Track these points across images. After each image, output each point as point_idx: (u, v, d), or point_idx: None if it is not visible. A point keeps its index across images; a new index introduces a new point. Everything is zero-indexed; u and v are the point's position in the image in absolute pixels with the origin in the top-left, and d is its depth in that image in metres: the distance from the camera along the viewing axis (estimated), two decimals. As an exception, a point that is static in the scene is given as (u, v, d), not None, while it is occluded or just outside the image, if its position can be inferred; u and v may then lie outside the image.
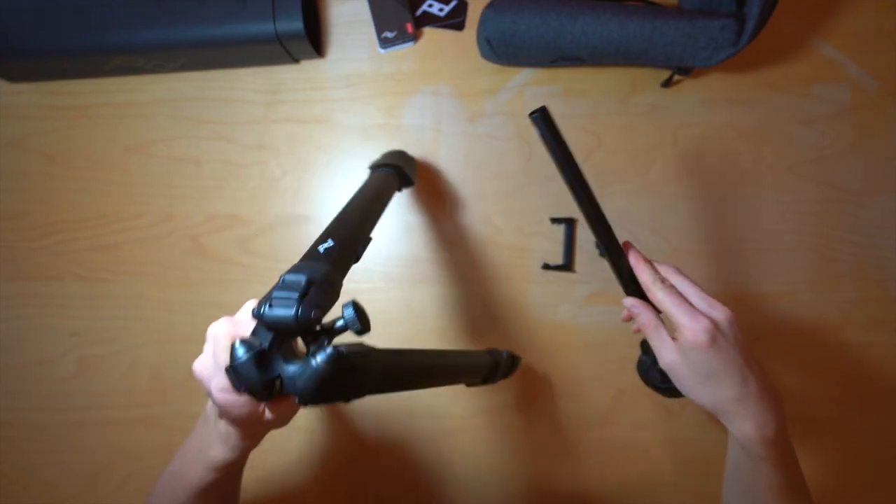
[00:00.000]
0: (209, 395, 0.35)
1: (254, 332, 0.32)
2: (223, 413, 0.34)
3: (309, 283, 0.32)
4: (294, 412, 0.37)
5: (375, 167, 0.58)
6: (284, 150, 0.69)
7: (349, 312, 0.32)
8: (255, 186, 0.69)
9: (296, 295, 0.31)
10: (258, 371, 0.30)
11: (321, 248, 0.36)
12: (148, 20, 0.63)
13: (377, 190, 0.51)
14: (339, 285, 0.35)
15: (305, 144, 0.69)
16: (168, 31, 0.63)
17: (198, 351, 0.73)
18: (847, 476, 0.66)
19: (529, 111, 0.41)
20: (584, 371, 0.67)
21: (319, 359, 0.29)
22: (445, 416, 0.68)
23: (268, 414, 0.34)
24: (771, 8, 0.57)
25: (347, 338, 0.33)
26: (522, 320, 0.68)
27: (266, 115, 0.69)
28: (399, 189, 0.58)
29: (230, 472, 0.41)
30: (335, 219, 0.42)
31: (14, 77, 0.70)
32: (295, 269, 0.33)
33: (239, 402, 0.33)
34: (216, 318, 0.69)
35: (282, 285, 0.32)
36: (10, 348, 0.70)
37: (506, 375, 0.58)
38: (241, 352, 0.30)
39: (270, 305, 0.31)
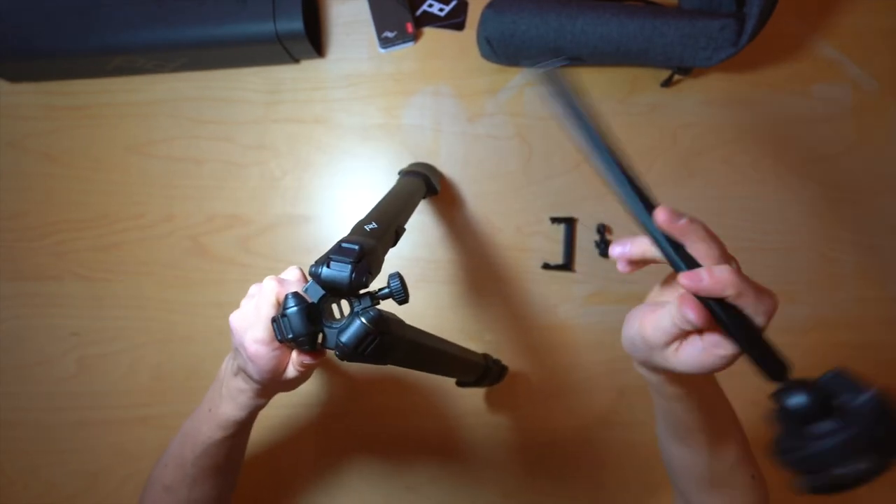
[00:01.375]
0: (239, 348, 0.37)
1: (305, 290, 0.36)
2: (250, 364, 0.36)
3: (362, 252, 0.35)
4: (307, 377, 0.39)
5: (405, 173, 0.61)
6: (284, 150, 0.69)
7: (395, 283, 0.36)
8: (255, 186, 0.69)
9: (351, 260, 0.34)
10: (306, 322, 0.33)
11: (367, 227, 0.40)
12: (148, 20, 0.63)
13: (410, 190, 0.55)
14: (382, 261, 0.39)
15: (305, 144, 0.69)
16: (168, 31, 0.63)
17: (198, 350, 0.73)
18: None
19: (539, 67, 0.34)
20: (584, 371, 0.67)
21: (364, 318, 0.33)
22: (445, 416, 0.68)
23: (290, 370, 0.37)
24: (771, 8, 0.57)
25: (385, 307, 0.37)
26: (522, 320, 0.68)
27: (266, 115, 0.69)
28: (424, 196, 0.61)
29: (237, 432, 0.43)
30: (375, 207, 0.46)
31: (14, 77, 0.70)
32: (350, 240, 0.36)
33: (269, 354, 0.35)
34: (216, 317, 0.70)
35: (339, 250, 0.35)
36: (10, 348, 0.70)
37: (493, 382, 0.61)
38: (292, 303, 0.33)
39: (328, 266, 0.34)
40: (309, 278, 0.36)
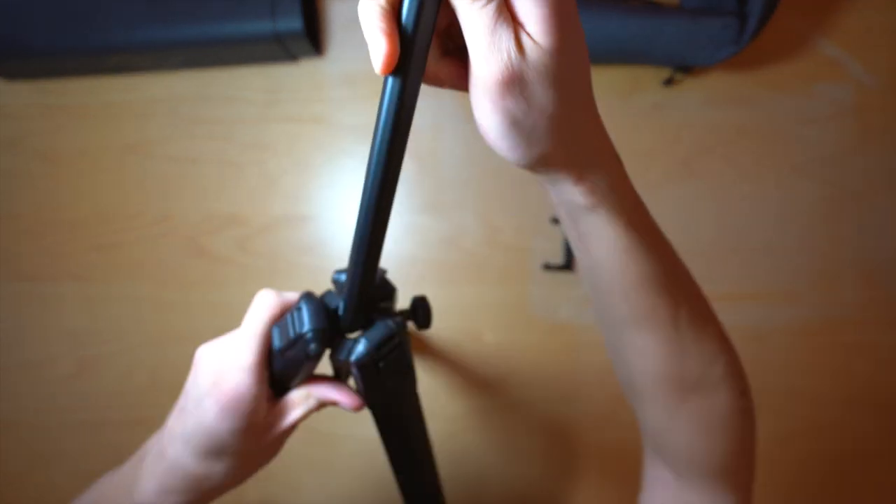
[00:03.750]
0: (196, 398, 0.29)
1: (322, 298, 0.33)
2: (216, 413, 0.28)
3: (383, 272, 0.34)
4: (285, 438, 0.31)
5: None
6: (283, 150, 0.68)
7: (423, 306, 0.36)
8: (253, 186, 0.68)
9: (383, 271, 0.33)
10: (323, 318, 0.31)
11: None
12: (145, 18, 0.62)
13: None
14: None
15: (304, 144, 0.68)
16: (166, 29, 0.62)
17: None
18: (847, 476, 0.66)
19: None
20: (584, 371, 0.67)
21: (390, 322, 0.31)
22: (445, 417, 0.68)
23: (293, 412, 0.30)
24: (773, 6, 0.57)
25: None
26: (522, 321, 0.67)
27: (265, 115, 0.69)
28: None
29: None
30: None
31: (11, 76, 0.69)
32: None
33: (252, 390, 0.28)
34: (215, 318, 0.69)
35: None
36: (10, 348, 0.70)
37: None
38: (305, 301, 0.31)
39: None
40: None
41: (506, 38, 0.22)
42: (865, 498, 0.66)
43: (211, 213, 0.68)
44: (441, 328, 0.68)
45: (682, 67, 0.63)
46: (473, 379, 0.67)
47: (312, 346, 0.30)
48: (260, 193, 0.68)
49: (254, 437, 0.29)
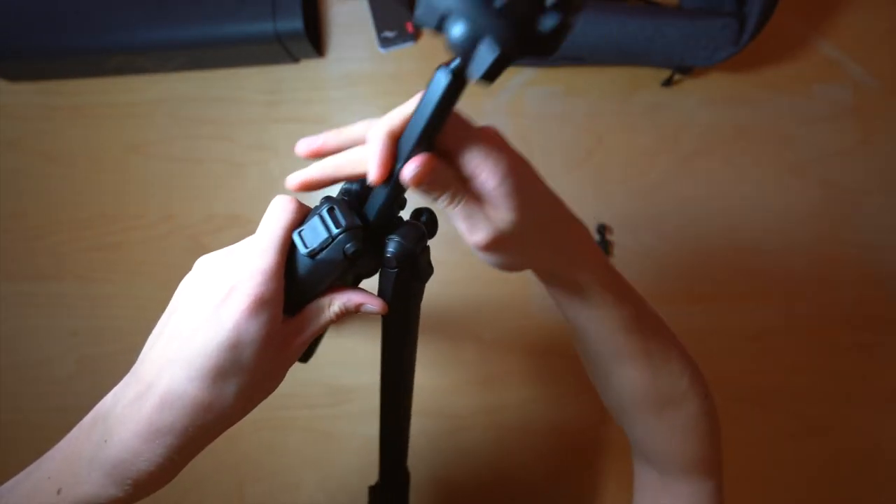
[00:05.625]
0: (194, 311, 0.26)
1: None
2: (235, 325, 0.25)
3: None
4: (307, 342, 0.29)
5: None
6: (284, 150, 0.69)
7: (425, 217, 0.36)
8: (254, 186, 0.69)
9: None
10: (355, 216, 0.29)
11: None
12: (148, 19, 0.63)
13: None
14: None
15: (305, 144, 0.69)
16: (168, 30, 0.63)
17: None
18: (847, 476, 0.66)
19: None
20: (583, 370, 0.67)
21: (417, 223, 0.33)
22: (446, 415, 0.68)
23: (324, 313, 0.29)
24: (772, 7, 0.57)
25: None
26: (522, 320, 0.67)
27: (266, 115, 0.69)
28: None
29: None
30: None
31: (14, 76, 0.70)
32: None
33: (275, 298, 0.26)
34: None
35: None
36: (10, 348, 0.70)
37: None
38: (328, 204, 0.30)
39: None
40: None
41: (479, 220, 0.29)
42: (866, 498, 0.66)
43: (213, 213, 0.69)
44: (442, 327, 0.68)
45: (682, 68, 0.63)
46: (474, 378, 0.67)
47: (349, 245, 0.28)
48: (261, 193, 0.68)
49: (271, 351, 0.26)
